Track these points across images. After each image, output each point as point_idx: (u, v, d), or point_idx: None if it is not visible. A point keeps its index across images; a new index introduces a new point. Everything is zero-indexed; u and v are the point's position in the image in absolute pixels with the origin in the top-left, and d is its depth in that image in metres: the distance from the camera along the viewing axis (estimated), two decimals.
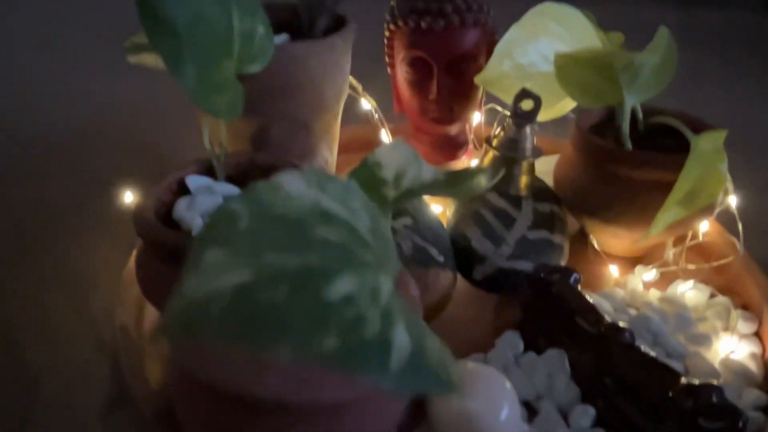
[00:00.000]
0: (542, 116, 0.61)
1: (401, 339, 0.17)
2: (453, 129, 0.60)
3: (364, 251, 0.20)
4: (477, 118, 0.64)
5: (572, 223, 0.60)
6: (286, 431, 0.26)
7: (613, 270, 0.56)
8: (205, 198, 0.45)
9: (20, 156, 0.79)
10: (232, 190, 0.46)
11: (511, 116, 0.52)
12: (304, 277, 0.18)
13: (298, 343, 0.16)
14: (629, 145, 0.53)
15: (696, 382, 0.34)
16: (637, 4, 1.93)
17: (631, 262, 0.57)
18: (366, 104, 0.60)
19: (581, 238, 0.59)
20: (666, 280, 0.54)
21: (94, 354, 0.47)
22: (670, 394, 0.33)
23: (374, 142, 0.63)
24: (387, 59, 0.60)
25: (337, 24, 0.53)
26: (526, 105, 0.51)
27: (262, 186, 0.20)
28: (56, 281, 0.55)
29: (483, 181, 0.32)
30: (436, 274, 0.46)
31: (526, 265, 0.48)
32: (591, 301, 0.42)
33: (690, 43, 1.54)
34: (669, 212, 0.47)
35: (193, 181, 0.46)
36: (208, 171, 0.48)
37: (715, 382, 0.42)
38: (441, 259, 0.46)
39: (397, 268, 0.24)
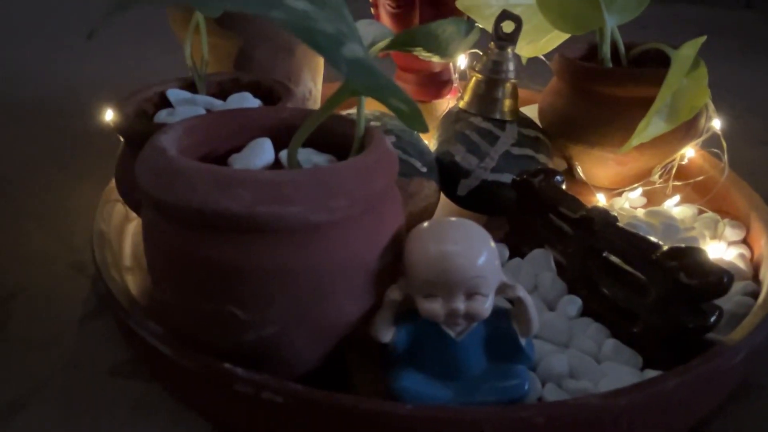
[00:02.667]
0: (528, 52, 0.62)
1: (355, 48, 0.17)
2: (436, 65, 0.61)
3: None
4: (461, 61, 0.64)
5: (559, 163, 0.60)
6: (258, 253, 0.25)
7: (601, 198, 0.55)
8: (186, 108, 0.45)
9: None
10: (215, 102, 0.46)
11: (492, 38, 0.52)
12: None
13: None
14: (608, 62, 0.53)
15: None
16: None
17: (620, 194, 0.56)
18: None
19: (568, 176, 0.59)
20: (653, 204, 0.54)
21: (72, 273, 0.46)
22: (654, 257, 0.33)
23: None
24: None
25: None
26: (507, 26, 0.52)
27: None
28: (34, 214, 0.55)
29: (460, 31, 0.32)
30: (419, 183, 0.45)
31: (509, 179, 0.48)
32: (574, 196, 0.41)
33: (672, 35, 1.57)
34: (650, 123, 0.47)
35: (174, 93, 0.46)
36: (190, 88, 0.48)
37: None
38: (424, 170, 0.46)
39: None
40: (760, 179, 0.61)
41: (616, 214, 0.38)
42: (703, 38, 0.48)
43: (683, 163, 0.56)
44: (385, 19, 0.59)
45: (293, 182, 0.25)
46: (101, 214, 0.46)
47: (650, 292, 0.34)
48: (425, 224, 0.30)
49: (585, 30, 0.55)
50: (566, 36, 0.59)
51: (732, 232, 0.47)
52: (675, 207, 0.52)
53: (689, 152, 0.57)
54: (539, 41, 0.60)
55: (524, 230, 0.44)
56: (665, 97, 0.47)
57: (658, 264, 0.32)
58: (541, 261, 0.41)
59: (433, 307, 0.28)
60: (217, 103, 0.45)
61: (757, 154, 0.73)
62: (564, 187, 0.43)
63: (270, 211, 0.25)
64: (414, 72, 0.61)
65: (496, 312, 0.30)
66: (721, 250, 0.46)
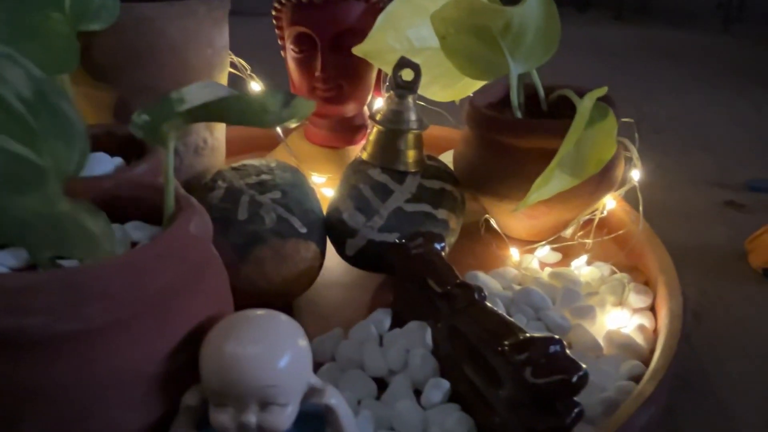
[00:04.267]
0: (443, 97, 0.59)
1: None
2: (348, 110, 0.58)
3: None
4: (379, 102, 0.62)
5: (479, 210, 0.56)
6: (57, 364, 0.22)
7: (514, 253, 0.52)
8: None
9: None
10: None
11: (392, 87, 0.49)
12: None
13: None
14: (519, 114, 0.50)
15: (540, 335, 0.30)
16: (601, 25, 1.94)
17: (533, 249, 0.53)
18: (256, 87, 0.58)
19: (487, 226, 0.56)
20: (569, 258, 0.51)
21: None
22: (501, 348, 0.29)
23: (269, 134, 0.60)
24: (279, 41, 0.58)
25: None
26: (407, 74, 0.49)
27: None
28: None
29: (274, 105, 0.29)
30: (295, 245, 0.42)
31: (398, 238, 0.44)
32: (450, 266, 0.38)
33: (648, 58, 1.55)
34: (552, 177, 0.44)
35: None
36: None
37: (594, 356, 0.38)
38: (304, 231, 0.43)
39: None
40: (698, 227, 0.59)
41: (484, 292, 0.34)
42: (604, 90, 0.46)
43: (603, 215, 0.53)
44: (290, 63, 0.57)
45: (33, 288, 0.22)
46: None
47: (505, 384, 0.30)
48: (224, 320, 0.27)
49: (494, 77, 0.52)
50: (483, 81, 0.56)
51: (637, 299, 0.44)
52: (585, 267, 0.48)
53: (610, 203, 0.54)
54: (455, 85, 0.57)
55: (406, 298, 0.41)
56: (566, 151, 0.44)
57: (505, 357, 0.29)
58: (417, 335, 0.38)
59: (222, 419, 0.25)
60: None
61: (701, 197, 0.69)
62: (444, 253, 0.40)
63: (5, 323, 0.21)
64: (325, 117, 0.58)
65: (307, 417, 0.27)
66: (624, 318, 0.42)
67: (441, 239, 0.41)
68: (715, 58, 1.46)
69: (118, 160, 0.42)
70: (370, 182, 0.48)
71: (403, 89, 0.49)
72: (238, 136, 0.68)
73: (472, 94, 0.55)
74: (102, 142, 0.45)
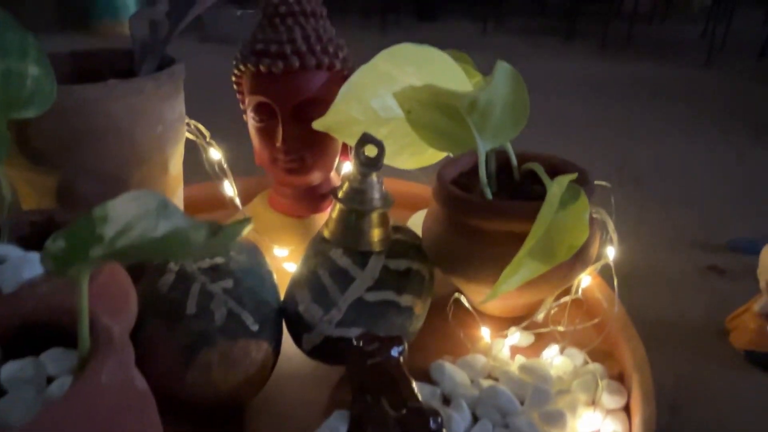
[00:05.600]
0: (411, 164, 0.57)
1: None
2: (313, 180, 0.55)
3: None
4: (347, 167, 0.59)
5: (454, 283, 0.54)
6: None
7: (485, 333, 0.49)
8: None
9: None
10: (7, 248, 0.40)
11: (354, 164, 0.47)
12: None
13: None
14: (489, 194, 0.48)
15: None
16: (586, 56, 1.94)
17: (510, 321, 0.50)
18: (215, 154, 0.55)
19: (457, 303, 0.53)
20: (543, 341, 0.48)
21: None
22: None
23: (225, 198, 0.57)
24: (240, 105, 0.55)
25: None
26: (370, 151, 0.47)
27: None
28: None
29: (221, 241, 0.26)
30: (245, 347, 0.39)
31: (358, 333, 0.42)
32: (409, 376, 0.35)
33: (632, 94, 1.54)
34: (520, 266, 0.42)
35: None
36: None
37: None
38: (255, 328, 0.40)
39: None
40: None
41: (440, 418, 0.31)
42: (574, 176, 0.43)
43: (578, 296, 0.51)
44: (251, 130, 0.54)
45: None
46: None
47: None
48: None
49: (462, 150, 0.50)
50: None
51: (611, 399, 0.41)
52: (558, 356, 0.46)
53: (585, 279, 0.52)
54: (424, 153, 0.55)
55: (364, 403, 0.38)
56: (535, 238, 0.41)
57: None
58: None
59: None
60: (14, 254, 0.39)
61: (681, 260, 0.67)
62: (402, 360, 0.37)
63: None
64: (289, 186, 0.56)
65: None
66: (597, 421, 0.40)
67: (400, 342, 0.38)
68: (698, 95, 1.46)
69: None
70: (330, 267, 0.45)
71: (366, 166, 0.46)
72: (201, 194, 0.66)
73: (441, 164, 0.53)
74: (42, 231, 0.42)
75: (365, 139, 0.46)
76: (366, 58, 0.49)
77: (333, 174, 0.59)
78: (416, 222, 0.63)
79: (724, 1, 2.02)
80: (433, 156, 0.56)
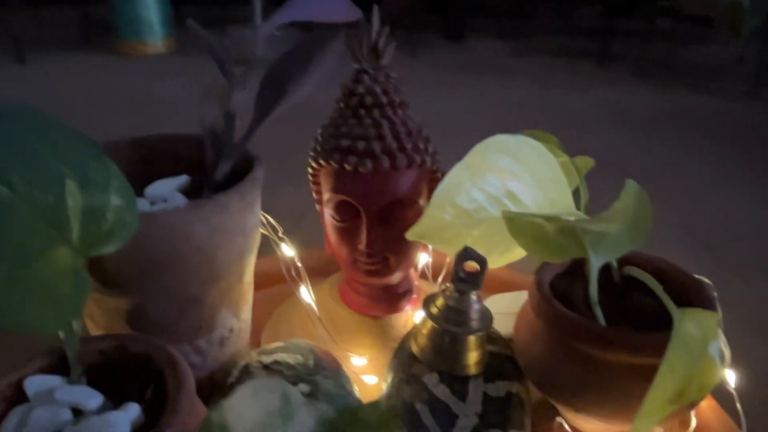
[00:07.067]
0: (499, 263, 0.52)
1: None
2: (393, 280, 0.51)
3: None
4: (424, 258, 0.55)
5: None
6: None
7: None
8: (44, 411, 0.34)
9: None
10: (84, 395, 0.36)
11: (452, 280, 0.42)
12: None
13: None
14: (601, 317, 0.43)
15: None
16: (623, 84, 1.89)
17: None
18: (287, 250, 0.51)
19: (547, 410, 0.48)
20: None
21: None
22: None
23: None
24: (314, 195, 0.51)
25: (247, 166, 0.44)
26: (470, 266, 0.42)
27: None
28: None
29: None
30: None
31: None
32: None
33: (670, 131, 1.48)
34: (650, 417, 0.37)
35: (34, 384, 0.36)
36: (62, 363, 0.38)
37: None
38: None
39: None
40: None
41: None
42: (716, 316, 0.38)
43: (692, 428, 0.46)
44: (329, 228, 0.49)
45: None
46: None
47: None
48: None
49: (566, 259, 0.46)
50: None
51: None
52: None
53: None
54: (512, 251, 0.50)
55: None
56: (665, 390, 0.36)
57: None
58: None
59: None
60: (92, 403, 0.35)
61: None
62: None
63: None
64: (366, 285, 0.51)
65: None
66: None
67: None
68: (747, 132, 1.39)
69: (127, 415, 0.34)
70: (428, 400, 0.40)
71: (465, 284, 0.42)
72: (262, 272, 0.61)
73: (538, 269, 0.48)
74: (108, 362, 0.38)
75: (467, 255, 0.41)
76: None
77: (411, 271, 0.54)
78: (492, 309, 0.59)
79: None
80: (519, 253, 0.51)
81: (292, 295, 0.56)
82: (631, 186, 0.40)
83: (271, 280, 0.60)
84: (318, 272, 0.58)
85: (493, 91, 1.70)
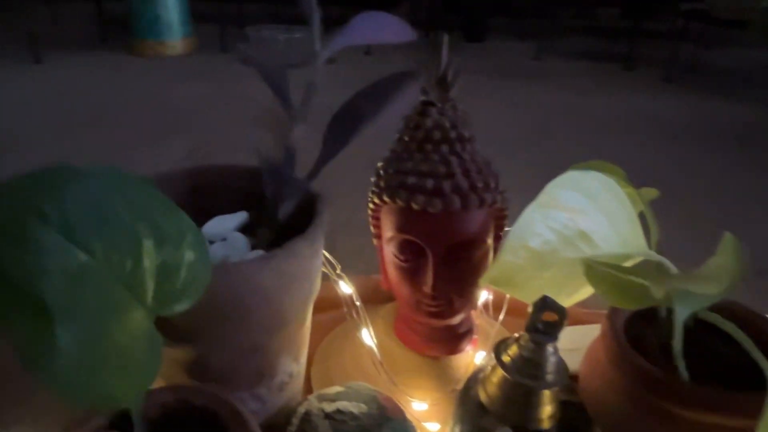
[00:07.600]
0: (567, 303, 0.50)
1: None
2: (455, 321, 0.48)
3: None
4: (483, 295, 0.52)
5: None
6: None
7: None
8: None
9: None
10: None
11: (527, 330, 0.40)
12: None
13: None
14: (684, 371, 0.40)
15: None
16: (650, 90, 1.85)
17: None
18: (345, 288, 0.49)
19: None
20: None
21: None
22: None
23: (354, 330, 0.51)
24: (372, 229, 0.49)
25: (309, 204, 0.42)
26: (549, 316, 0.40)
27: None
28: None
29: None
30: None
31: None
32: None
33: (707, 142, 1.44)
34: None
35: None
36: (123, 417, 0.36)
37: None
38: None
39: None
40: None
41: None
42: None
43: None
44: (390, 267, 0.47)
45: None
46: None
47: None
48: None
49: (645, 306, 0.43)
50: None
51: None
52: None
53: None
54: (580, 291, 0.48)
55: None
56: None
57: None
58: None
59: None
60: None
61: None
62: None
63: None
64: (426, 325, 0.49)
65: None
66: None
67: None
68: None
69: None
70: None
71: (542, 334, 0.39)
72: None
73: (610, 315, 0.46)
74: (170, 415, 0.36)
75: (545, 305, 0.39)
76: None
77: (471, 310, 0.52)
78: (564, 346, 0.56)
79: None
80: (589, 291, 0.49)
81: (342, 322, 0.54)
82: (729, 240, 0.38)
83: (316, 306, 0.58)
84: (367, 299, 0.56)
85: (519, 96, 1.67)
